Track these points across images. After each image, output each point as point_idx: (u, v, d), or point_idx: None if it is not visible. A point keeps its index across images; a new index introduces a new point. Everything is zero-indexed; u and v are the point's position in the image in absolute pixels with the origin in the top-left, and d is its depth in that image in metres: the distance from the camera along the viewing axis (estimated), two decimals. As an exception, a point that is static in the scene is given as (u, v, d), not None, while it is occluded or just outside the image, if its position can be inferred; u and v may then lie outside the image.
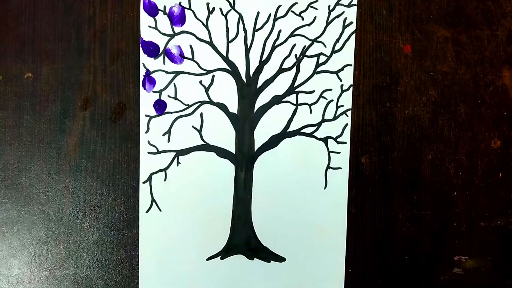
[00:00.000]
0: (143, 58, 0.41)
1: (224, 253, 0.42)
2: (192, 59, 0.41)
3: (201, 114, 0.41)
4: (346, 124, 0.41)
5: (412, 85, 0.42)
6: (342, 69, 0.41)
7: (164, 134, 0.41)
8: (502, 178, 0.42)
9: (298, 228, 0.42)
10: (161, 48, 0.41)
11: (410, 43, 0.41)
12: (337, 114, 0.41)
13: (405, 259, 0.42)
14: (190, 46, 0.41)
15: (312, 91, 0.41)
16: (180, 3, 0.41)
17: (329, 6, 0.41)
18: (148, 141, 0.41)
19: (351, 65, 0.41)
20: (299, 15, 0.41)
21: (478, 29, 0.42)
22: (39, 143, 0.42)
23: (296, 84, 0.41)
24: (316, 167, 0.41)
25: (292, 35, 0.41)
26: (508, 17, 0.42)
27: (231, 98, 0.41)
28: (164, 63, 0.41)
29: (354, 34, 0.41)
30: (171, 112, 0.41)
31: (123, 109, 0.42)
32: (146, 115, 0.41)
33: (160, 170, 0.41)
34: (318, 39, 0.41)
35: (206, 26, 0.41)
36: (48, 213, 0.42)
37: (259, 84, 0.41)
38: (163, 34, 0.41)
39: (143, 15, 0.41)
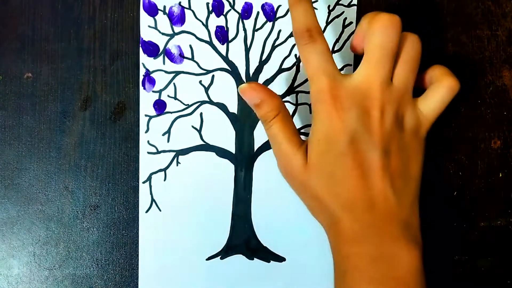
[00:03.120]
0: (143, 58, 0.41)
1: (224, 253, 0.42)
2: (192, 59, 0.41)
3: (201, 114, 0.41)
4: (346, 124, 0.41)
5: (412, 85, 0.42)
6: (342, 69, 0.41)
7: (164, 134, 0.41)
8: (502, 178, 0.42)
9: (298, 228, 0.41)
10: (161, 48, 0.41)
11: (410, 43, 0.41)
12: (337, 114, 0.41)
13: (405, 259, 0.42)
14: (190, 46, 0.41)
15: (312, 91, 0.41)
16: (180, 3, 0.41)
17: (328, 6, 0.41)
18: (148, 141, 0.41)
19: (351, 65, 0.41)
20: (299, 15, 0.41)
21: (478, 29, 0.42)
22: (39, 143, 0.42)
23: (296, 84, 0.41)
24: (316, 167, 0.41)
25: (292, 35, 0.41)
26: (508, 17, 0.42)
27: (231, 98, 0.41)
28: (164, 63, 0.41)
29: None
30: (171, 112, 0.41)
31: (123, 109, 0.42)
32: (146, 115, 0.41)
33: (160, 170, 0.41)
34: (318, 39, 0.41)
35: (206, 26, 0.41)
36: (47, 213, 0.42)
37: (259, 84, 0.41)
38: (163, 34, 0.41)
39: (143, 15, 0.41)
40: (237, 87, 0.41)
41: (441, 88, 0.35)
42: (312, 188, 0.34)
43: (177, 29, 0.41)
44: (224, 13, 0.41)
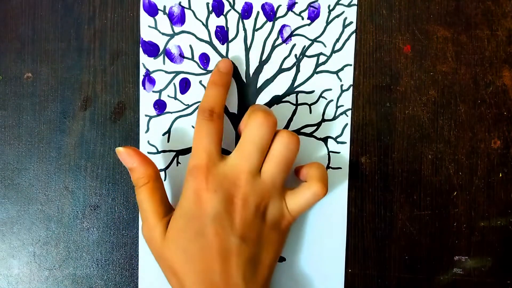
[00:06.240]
0: (143, 58, 0.41)
1: (224, 253, 0.42)
2: (192, 59, 0.41)
3: (201, 114, 0.41)
4: (346, 124, 0.41)
5: (412, 85, 0.42)
6: (342, 69, 0.41)
7: (164, 134, 0.41)
8: (502, 178, 0.42)
9: (298, 228, 0.41)
10: (161, 48, 0.41)
11: (410, 43, 0.41)
12: (337, 114, 0.41)
13: (405, 259, 0.42)
14: (190, 46, 0.41)
15: (312, 91, 0.41)
16: (180, 3, 0.41)
17: (328, 6, 0.41)
18: (148, 141, 0.41)
19: (351, 65, 0.41)
20: (299, 15, 0.41)
21: (478, 29, 0.42)
22: (39, 143, 0.42)
23: (296, 84, 0.41)
24: (316, 167, 0.41)
25: (292, 35, 0.41)
26: (508, 17, 0.42)
27: (231, 98, 0.41)
28: (164, 63, 0.41)
29: (354, 34, 0.41)
30: (171, 112, 0.41)
31: (123, 109, 0.42)
32: (146, 115, 0.41)
33: (160, 170, 0.41)
34: (318, 39, 0.41)
35: (206, 26, 0.41)
36: (47, 213, 0.42)
37: (259, 84, 0.41)
38: (163, 34, 0.41)
39: (143, 15, 0.41)
40: (237, 87, 0.41)
41: (308, 191, 0.37)
42: (168, 260, 0.35)
43: (177, 29, 0.41)
44: (224, 13, 0.41)
